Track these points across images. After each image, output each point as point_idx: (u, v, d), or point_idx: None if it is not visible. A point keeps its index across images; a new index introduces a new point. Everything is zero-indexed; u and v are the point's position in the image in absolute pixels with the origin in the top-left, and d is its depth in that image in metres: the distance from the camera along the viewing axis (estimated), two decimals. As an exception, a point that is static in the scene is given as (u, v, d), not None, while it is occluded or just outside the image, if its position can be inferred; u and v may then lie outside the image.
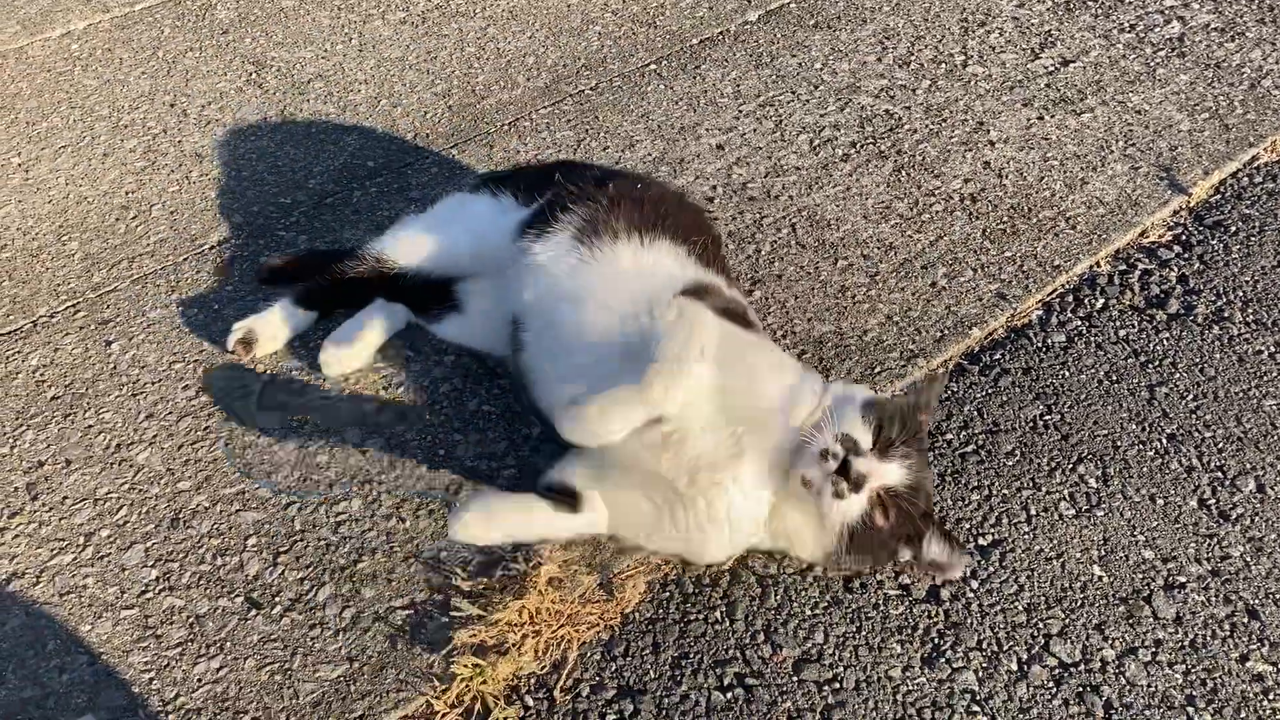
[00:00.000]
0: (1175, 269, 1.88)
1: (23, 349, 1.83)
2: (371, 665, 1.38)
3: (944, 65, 2.38)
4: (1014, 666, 1.35)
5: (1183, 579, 1.44)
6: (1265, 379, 1.69)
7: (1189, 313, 1.80)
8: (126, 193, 2.15)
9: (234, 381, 1.74)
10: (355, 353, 1.75)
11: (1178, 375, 1.70)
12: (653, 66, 2.42)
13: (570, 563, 1.47)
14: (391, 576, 1.47)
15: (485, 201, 1.75)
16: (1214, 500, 1.53)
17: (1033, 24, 2.50)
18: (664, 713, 1.32)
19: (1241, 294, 1.83)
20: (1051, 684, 1.33)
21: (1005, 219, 1.98)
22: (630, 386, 1.32)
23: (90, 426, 1.70)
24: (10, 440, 1.68)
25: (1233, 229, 1.95)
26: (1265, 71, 2.29)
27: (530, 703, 1.34)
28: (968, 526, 1.51)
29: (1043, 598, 1.42)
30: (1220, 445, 1.60)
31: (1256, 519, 1.50)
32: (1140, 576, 1.44)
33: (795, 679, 1.35)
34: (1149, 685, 1.33)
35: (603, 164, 2.14)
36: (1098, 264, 1.90)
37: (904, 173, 2.09)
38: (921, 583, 1.44)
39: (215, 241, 2.02)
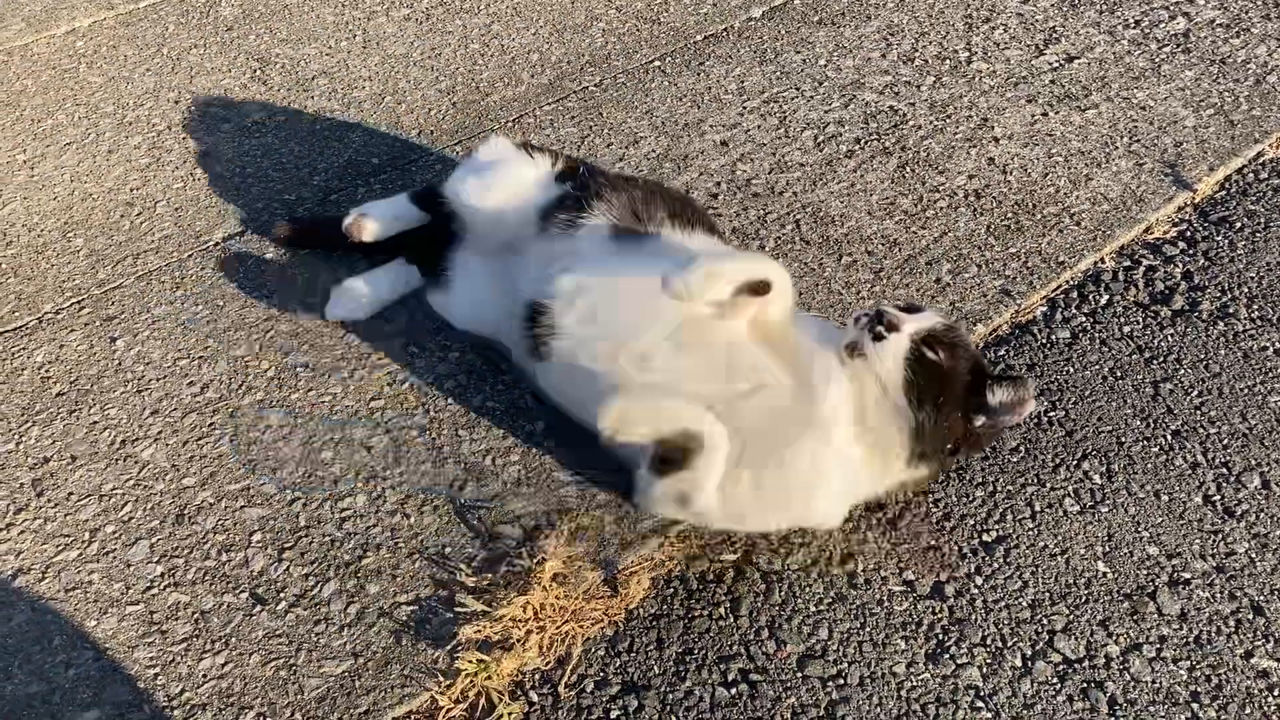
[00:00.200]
0: (1180, 265, 1.88)
1: (28, 345, 1.83)
2: (376, 661, 1.38)
3: (948, 61, 2.38)
4: (1018, 662, 1.35)
5: (1187, 575, 1.44)
6: (1270, 375, 1.69)
7: (1194, 309, 1.80)
8: (131, 189, 2.15)
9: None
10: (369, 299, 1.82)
11: (1182, 371, 1.70)
12: (657, 63, 2.42)
13: (575, 559, 1.47)
14: (396, 572, 1.48)
15: (531, 171, 1.73)
16: (1219, 497, 1.53)
17: (1037, 20, 2.49)
18: (668, 708, 1.32)
19: (1246, 290, 1.82)
20: (1056, 680, 1.33)
21: (1009, 215, 1.98)
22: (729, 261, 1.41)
23: (95, 423, 1.70)
24: (16, 436, 1.68)
25: (1238, 225, 1.95)
26: (1270, 67, 2.29)
27: (535, 698, 1.34)
28: (972, 523, 1.51)
29: (1047, 594, 1.42)
30: (1225, 442, 1.60)
31: (1261, 515, 1.50)
32: (1145, 573, 1.44)
33: (799, 675, 1.35)
34: (1153, 681, 1.33)
35: (606, 161, 2.14)
36: (1102, 260, 1.90)
37: (908, 169, 2.09)
38: (926, 579, 1.45)
39: (220, 238, 2.02)
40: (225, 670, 1.38)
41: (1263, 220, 1.95)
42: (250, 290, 1.91)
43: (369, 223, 1.82)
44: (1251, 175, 2.05)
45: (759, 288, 1.39)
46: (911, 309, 1.41)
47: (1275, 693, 1.32)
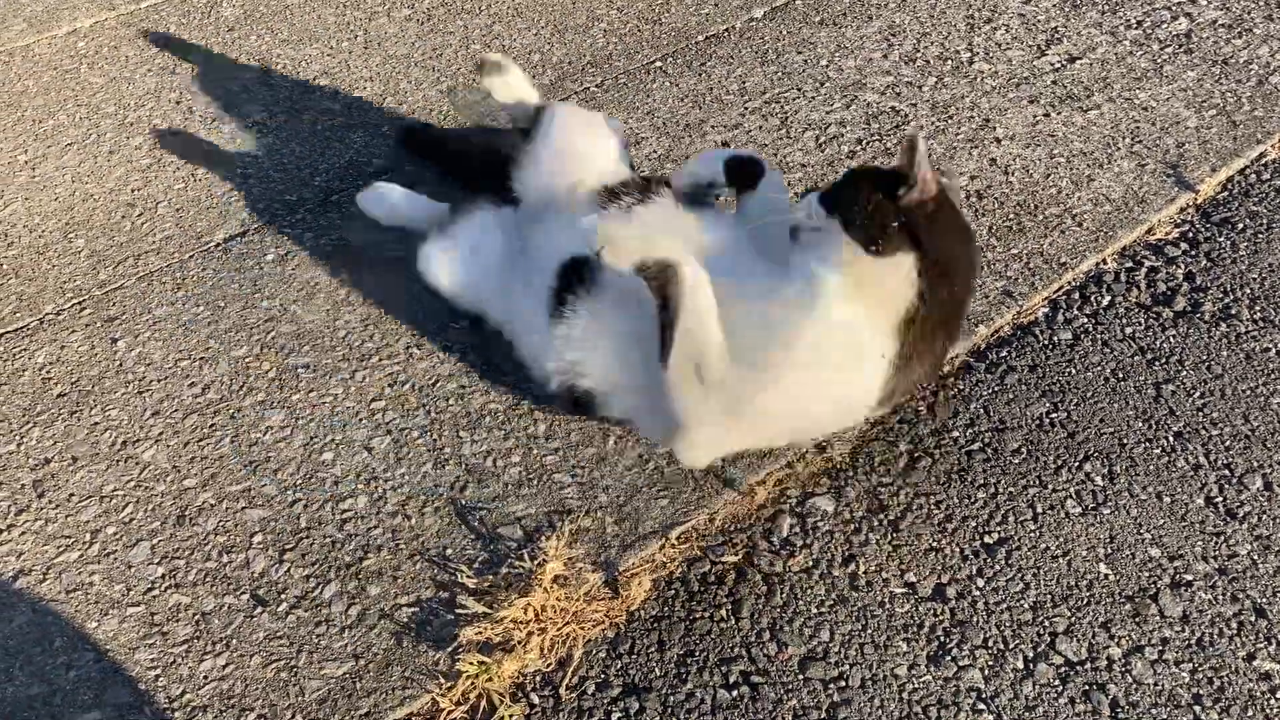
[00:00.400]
0: (1182, 266, 1.87)
1: (29, 346, 1.83)
2: (377, 663, 1.38)
3: (950, 62, 2.38)
4: (1020, 665, 1.35)
5: (1189, 577, 1.43)
6: (1273, 377, 1.68)
7: (1196, 310, 1.79)
8: (132, 190, 2.15)
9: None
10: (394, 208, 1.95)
11: (1184, 373, 1.70)
12: (658, 63, 2.42)
13: (575, 560, 1.47)
14: (397, 574, 1.48)
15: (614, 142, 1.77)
16: (1221, 498, 1.52)
17: (1039, 20, 2.49)
18: (669, 710, 1.32)
19: (1249, 291, 1.82)
20: (1058, 682, 1.33)
21: (1011, 216, 1.97)
22: None
23: (96, 424, 1.70)
24: (17, 437, 1.68)
25: (1240, 226, 1.94)
26: (1273, 68, 2.29)
27: (536, 700, 1.34)
28: (974, 525, 1.51)
29: (1049, 596, 1.42)
30: (1227, 443, 1.59)
31: (1264, 517, 1.50)
32: (1147, 575, 1.44)
33: (801, 677, 1.35)
34: (1155, 684, 1.33)
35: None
36: (1104, 261, 1.89)
37: (910, 170, 2.09)
38: (927, 581, 1.44)
39: (221, 239, 2.02)
40: (226, 672, 1.38)
41: (1265, 221, 1.95)
42: (251, 291, 1.91)
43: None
44: (1254, 176, 2.05)
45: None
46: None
47: (1278, 695, 1.31)
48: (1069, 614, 1.40)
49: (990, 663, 1.35)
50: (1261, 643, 1.36)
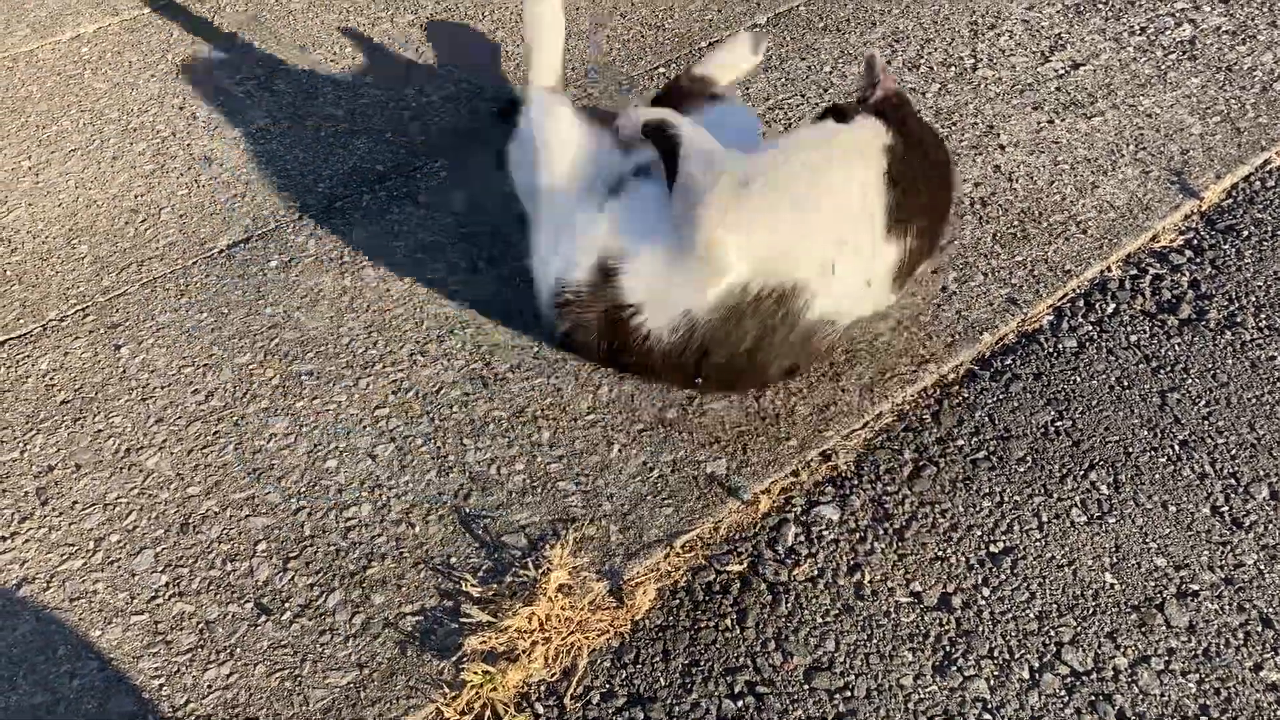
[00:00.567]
0: (1187, 274, 1.87)
1: (32, 353, 1.83)
2: (381, 672, 1.38)
3: (954, 68, 2.37)
4: (1026, 675, 1.35)
5: (1196, 587, 1.43)
6: (1278, 385, 1.68)
7: (1201, 318, 1.79)
8: (136, 196, 2.15)
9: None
10: None
11: (1190, 381, 1.69)
12: (661, 69, 2.42)
13: (580, 569, 1.47)
14: (401, 582, 1.47)
15: None
16: (1227, 508, 1.52)
17: (1043, 27, 2.49)
18: (674, 720, 1.32)
19: (1254, 299, 1.82)
20: (1064, 693, 1.33)
21: (1015, 223, 1.97)
22: None
23: (100, 431, 1.70)
24: (20, 445, 1.68)
25: (1245, 233, 1.94)
26: (1277, 75, 2.28)
27: (540, 710, 1.33)
28: (979, 534, 1.50)
29: (1054, 605, 1.42)
30: (1233, 452, 1.59)
31: (1270, 527, 1.49)
32: (1153, 584, 1.44)
33: (806, 687, 1.34)
34: (1162, 694, 1.32)
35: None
36: (1109, 269, 1.89)
37: (914, 177, 2.08)
38: (933, 590, 1.44)
39: (225, 245, 2.02)
40: (230, 681, 1.38)
41: (1270, 229, 1.95)
42: (255, 298, 1.90)
43: None
44: (1258, 183, 2.05)
45: None
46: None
47: (1284, 706, 1.31)
48: (1075, 624, 1.40)
49: (996, 673, 1.35)
50: (1268, 653, 1.36)
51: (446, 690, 1.35)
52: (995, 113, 2.23)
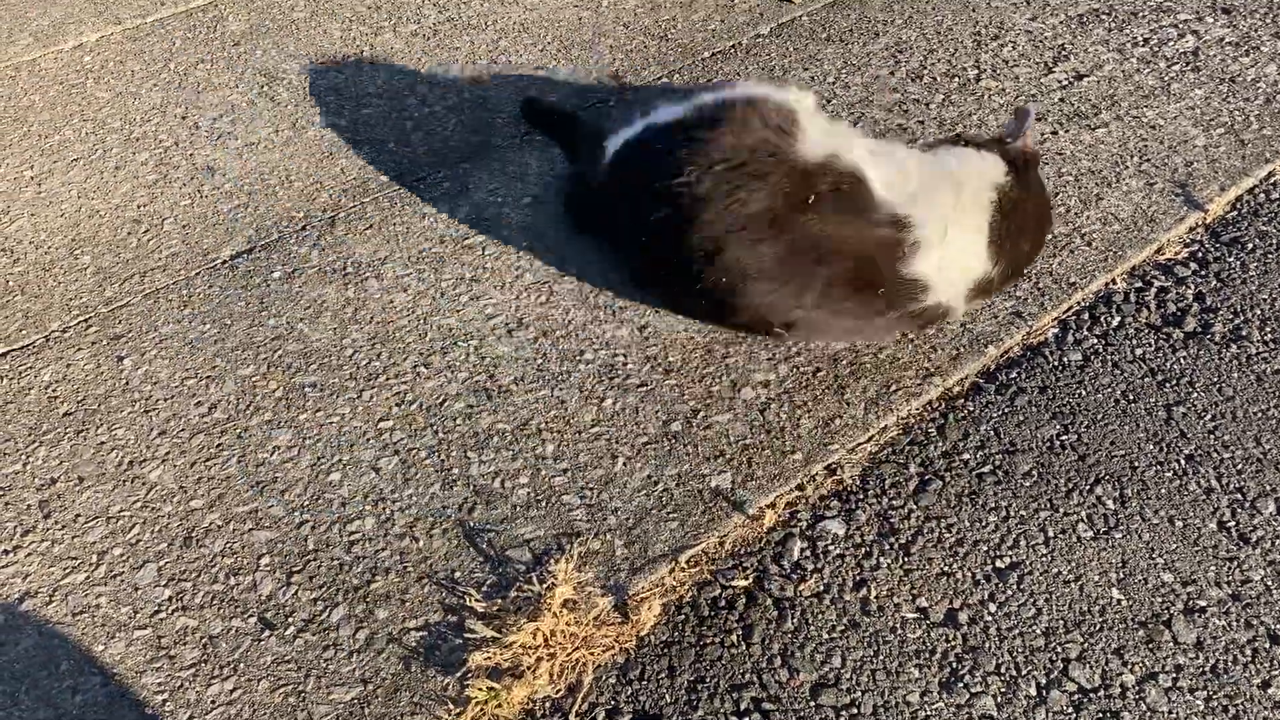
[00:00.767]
0: (1192, 287, 1.87)
1: (35, 364, 1.83)
2: (386, 688, 1.37)
3: (957, 79, 2.37)
4: (1033, 691, 1.34)
5: (1203, 603, 1.42)
6: (1284, 399, 1.68)
7: (1206, 331, 1.79)
8: (138, 206, 2.14)
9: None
10: None
11: (1195, 395, 1.69)
12: (665, 79, 2.42)
13: (585, 584, 1.46)
14: (405, 597, 1.47)
15: None
16: (1233, 523, 1.52)
17: (1046, 37, 2.49)
18: (680, 737, 1.31)
19: (1259, 312, 1.81)
20: (1071, 710, 1.32)
21: (1020, 235, 1.97)
22: None
23: (103, 443, 1.69)
24: (23, 457, 1.67)
25: (1249, 246, 1.94)
26: (1280, 86, 2.28)
27: (545, 727, 1.33)
28: (985, 549, 1.50)
29: (1061, 621, 1.41)
30: (1239, 466, 1.59)
31: (1277, 542, 1.49)
32: (1160, 600, 1.43)
33: (813, 704, 1.34)
34: (1170, 711, 1.32)
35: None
36: (1114, 281, 1.89)
37: (918, 188, 2.08)
38: (939, 605, 1.43)
39: (228, 256, 2.01)
40: (234, 696, 1.37)
41: (1274, 241, 1.94)
42: (258, 309, 1.90)
43: None
44: (1262, 195, 2.04)
45: None
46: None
47: (1292, 723, 1.31)
48: (1082, 640, 1.39)
49: (1003, 690, 1.34)
50: (1276, 670, 1.35)
51: (451, 707, 1.34)
52: (999, 124, 2.23)
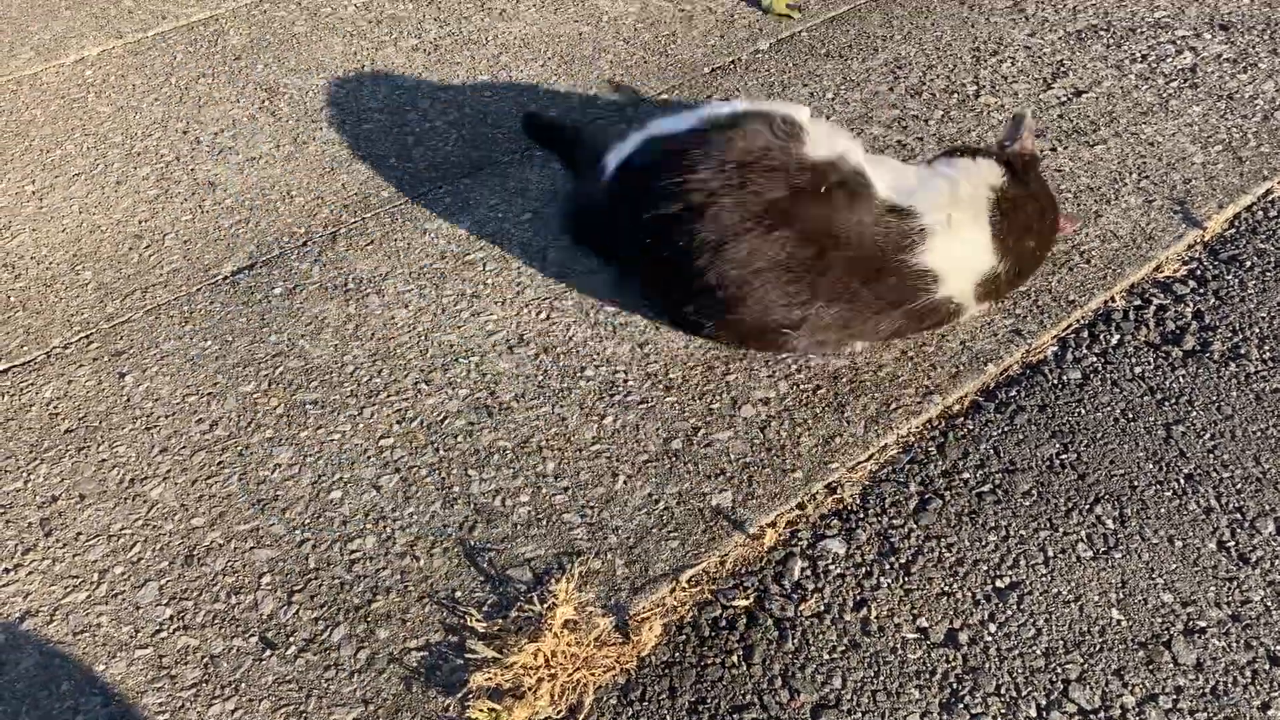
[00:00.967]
0: (1191, 305, 1.87)
1: (36, 381, 1.83)
2: (387, 708, 1.37)
3: (956, 95, 2.38)
4: (1033, 713, 1.35)
5: (1203, 624, 1.43)
6: (1282, 418, 1.68)
7: (1205, 349, 1.79)
8: (140, 221, 2.15)
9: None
10: None
11: (1194, 414, 1.70)
12: (665, 95, 2.43)
13: (585, 604, 1.46)
14: (406, 617, 1.47)
15: None
16: (1233, 543, 1.52)
17: (1045, 53, 2.50)
18: (681, 759, 1.31)
19: (1258, 330, 1.82)
20: (1071, 731, 1.33)
21: (1020, 253, 1.97)
22: None
23: (104, 460, 1.69)
24: (24, 474, 1.68)
25: (1248, 264, 1.95)
26: (1278, 103, 2.29)
27: (546, 748, 1.33)
28: (985, 568, 1.50)
29: (1061, 642, 1.42)
30: (1239, 486, 1.59)
31: (1277, 562, 1.49)
32: (1160, 621, 1.43)
33: (813, 725, 1.34)
34: (1170, 733, 1.32)
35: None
36: (1113, 299, 1.89)
37: (918, 205, 2.09)
38: (939, 626, 1.44)
39: (229, 272, 2.02)
40: (235, 717, 1.37)
41: (1273, 259, 1.95)
42: (259, 326, 1.90)
43: None
44: (1260, 213, 2.05)
45: None
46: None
47: (1292, 745, 1.31)
48: (1082, 660, 1.39)
49: (1003, 711, 1.35)
50: (1276, 692, 1.35)
51: (452, 727, 1.35)
52: (998, 140, 2.23)
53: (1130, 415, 1.70)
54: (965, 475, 1.63)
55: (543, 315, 1.90)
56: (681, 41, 2.61)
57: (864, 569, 1.51)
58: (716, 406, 1.73)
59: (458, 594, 1.49)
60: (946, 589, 1.48)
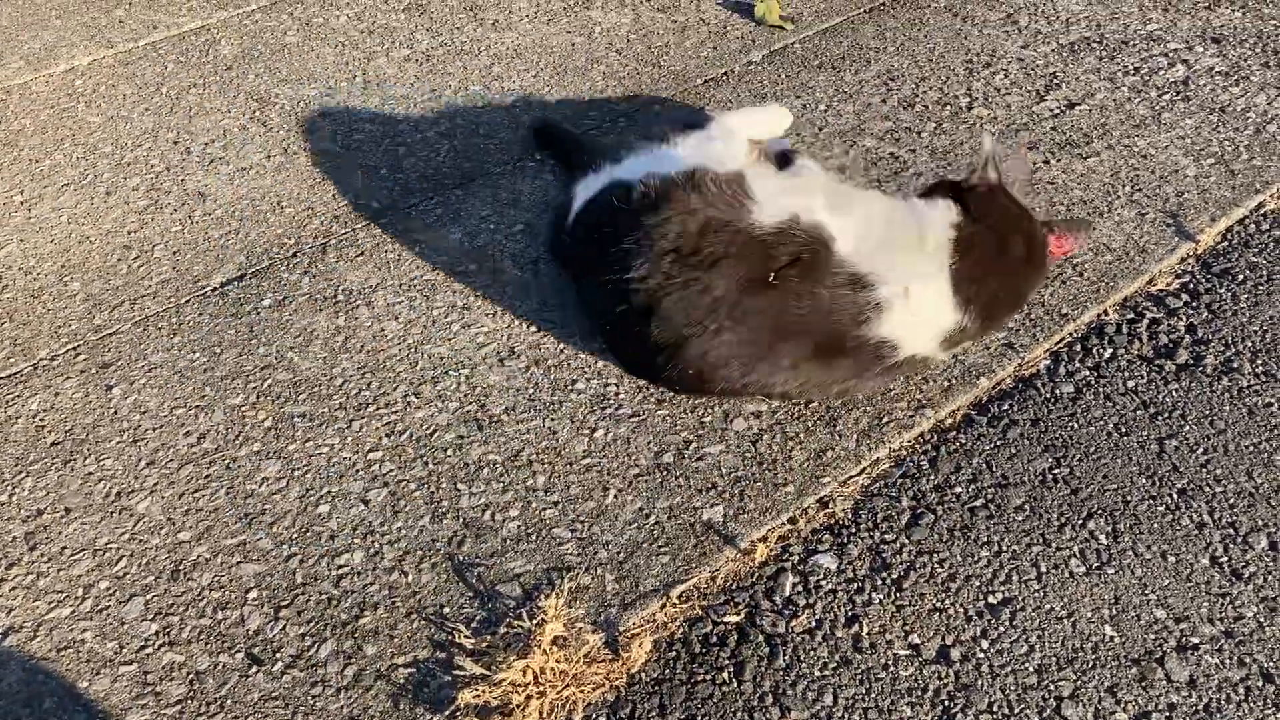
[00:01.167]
0: (1184, 318, 1.87)
1: (22, 393, 1.81)
2: (374, 726, 1.36)
3: (949, 107, 2.38)
4: (1026, 730, 1.34)
5: (1196, 640, 1.42)
6: (1275, 432, 1.68)
7: (1198, 363, 1.79)
8: (129, 232, 2.14)
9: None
10: None
11: (1187, 428, 1.69)
12: (657, 106, 2.42)
13: (575, 620, 1.45)
14: (394, 633, 1.46)
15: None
16: (1226, 558, 1.51)
17: (1038, 65, 2.50)
18: (671, 778, 1.30)
19: (1250, 345, 1.82)
20: (1064, 749, 1.32)
21: (1012, 266, 1.97)
22: None
23: (90, 474, 1.68)
24: (9, 487, 1.66)
25: (1240, 277, 1.94)
26: (1270, 117, 2.29)
27: (535, 766, 1.32)
28: (978, 584, 1.49)
29: (1054, 658, 1.41)
30: (1231, 501, 1.58)
31: (1269, 578, 1.48)
32: (1152, 637, 1.42)
33: (804, 743, 1.33)
34: (1163, 751, 1.31)
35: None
36: (1105, 312, 1.89)
37: (910, 217, 2.08)
38: (931, 642, 1.43)
39: (218, 283, 2.01)
40: (219, 735, 1.36)
41: (1265, 273, 1.95)
42: (248, 338, 1.89)
43: None
44: (1253, 226, 2.05)
45: None
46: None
47: (1286, 763, 1.30)
48: (1074, 677, 1.38)
49: (996, 728, 1.34)
50: (1269, 709, 1.34)
51: (440, 745, 1.33)
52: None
53: (1123, 429, 1.69)
54: (957, 490, 1.62)
55: (534, 327, 1.89)
56: (674, 53, 2.60)
57: (856, 584, 1.50)
58: (708, 420, 1.72)
59: (446, 610, 1.48)
60: (939, 605, 1.47)
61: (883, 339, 1.63)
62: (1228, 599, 1.46)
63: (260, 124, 2.41)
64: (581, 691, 1.37)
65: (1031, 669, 1.40)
